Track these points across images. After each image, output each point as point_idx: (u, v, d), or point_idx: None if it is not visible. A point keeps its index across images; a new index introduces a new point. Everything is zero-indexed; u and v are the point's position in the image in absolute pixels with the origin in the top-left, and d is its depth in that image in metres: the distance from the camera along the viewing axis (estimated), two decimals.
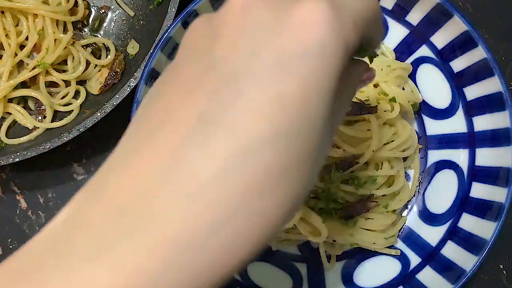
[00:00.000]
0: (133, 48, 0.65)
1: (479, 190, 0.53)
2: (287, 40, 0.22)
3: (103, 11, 0.66)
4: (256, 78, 0.21)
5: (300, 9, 0.22)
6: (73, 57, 0.63)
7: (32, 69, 0.61)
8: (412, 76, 0.58)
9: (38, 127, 0.61)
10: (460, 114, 0.56)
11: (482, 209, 0.52)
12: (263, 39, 0.22)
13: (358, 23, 0.24)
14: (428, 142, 0.58)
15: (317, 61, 0.22)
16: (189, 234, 0.20)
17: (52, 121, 0.62)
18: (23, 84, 0.62)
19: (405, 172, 0.57)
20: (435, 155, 0.57)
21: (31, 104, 0.63)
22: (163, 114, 0.22)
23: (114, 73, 0.63)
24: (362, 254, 0.56)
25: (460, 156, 0.55)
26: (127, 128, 0.24)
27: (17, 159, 0.56)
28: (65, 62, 0.64)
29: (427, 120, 0.58)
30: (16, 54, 0.61)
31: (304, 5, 0.23)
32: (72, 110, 0.62)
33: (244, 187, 0.20)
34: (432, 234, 0.55)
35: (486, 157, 0.53)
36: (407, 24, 0.57)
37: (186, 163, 0.20)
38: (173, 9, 0.57)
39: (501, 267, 0.61)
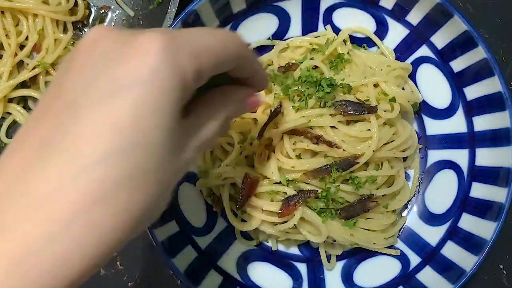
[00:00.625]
0: None
1: (479, 190, 0.53)
2: (124, 68, 0.25)
3: (103, 11, 0.66)
4: (92, 104, 0.24)
5: (140, 40, 0.26)
6: None
7: (32, 69, 0.61)
8: (412, 76, 0.58)
9: None
10: (460, 114, 0.56)
11: (482, 209, 0.52)
12: (104, 69, 0.25)
13: (201, 56, 0.28)
14: (428, 142, 0.58)
15: (148, 87, 0.25)
16: (27, 247, 0.23)
17: None
18: (23, 84, 0.62)
19: (405, 172, 0.57)
20: (435, 155, 0.57)
21: (31, 104, 0.63)
22: (19, 139, 0.26)
23: None
24: (362, 254, 0.56)
25: (460, 156, 0.55)
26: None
27: None
28: None
29: (427, 120, 0.58)
30: (16, 54, 0.61)
31: (143, 37, 0.26)
32: None
33: (76, 201, 0.23)
34: (432, 234, 0.55)
35: (486, 157, 0.53)
36: (407, 24, 0.57)
37: (27, 184, 0.24)
38: (173, 9, 0.57)
39: (501, 267, 0.61)
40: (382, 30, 0.58)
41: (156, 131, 0.25)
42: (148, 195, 0.26)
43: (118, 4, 0.66)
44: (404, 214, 0.57)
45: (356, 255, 0.56)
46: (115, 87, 0.25)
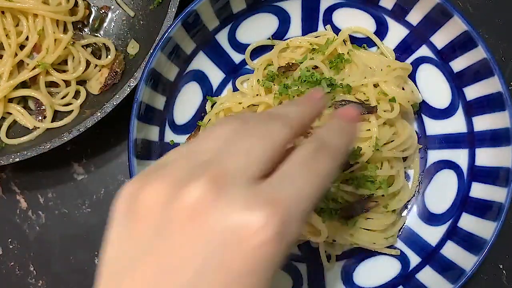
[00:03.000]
0: (133, 48, 0.65)
1: (479, 190, 0.53)
2: (236, 258, 0.23)
3: (103, 11, 0.66)
4: None
5: (253, 220, 0.23)
6: (73, 57, 0.63)
7: (32, 69, 0.61)
8: (412, 76, 0.58)
9: (38, 127, 0.61)
10: (460, 114, 0.56)
11: (482, 209, 0.52)
12: (213, 255, 0.23)
13: (305, 216, 0.26)
14: (428, 142, 0.58)
15: (262, 280, 0.24)
16: None
17: (52, 121, 0.62)
18: (23, 84, 0.62)
19: (405, 172, 0.57)
20: (435, 155, 0.57)
21: (31, 104, 0.63)
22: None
23: (114, 73, 0.63)
24: (362, 254, 0.56)
25: (460, 156, 0.55)
26: None
27: (17, 159, 0.56)
28: (65, 62, 0.64)
29: (427, 120, 0.58)
30: (16, 54, 0.61)
31: (257, 217, 0.24)
32: (72, 110, 0.62)
33: None
34: (432, 234, 0.55)
35: (486, 157, 0.53)
36: (407, 24, 0.57)
37: None
38: (173, 9, 0.57)
39: (501, 267, 0.61)
40: (382, 30, 0.58)
41: None
42: None
43: (118, 4, 0.66)
44: (404, 214, 0.57)
45: (356, 255, 0.56)
46: (227, 283, 0.23)
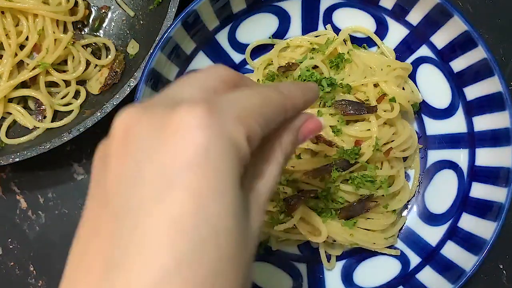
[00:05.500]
0: (133, 48, 0.65)
1: (479, 190, 0.53)
2: (168, 155, 0.22)
3: (103, 11, 0.66)
4: (146, 205, 0.21)
5: (177, 117, 0.22)
6: (73, 57, 0.63)
7: (32, 69, 0.61)
8: (412, 76, 0.58)
9: (38, 127, 0.61)
10: (460, 114, 0.56)
11: (482, 209, 0.52)
12: (145, 160, 0.22)
13: (247, 119, 0.25)
14: (428, 142, 0.58)
15: (201, 171, 0.22)
16: None
17: (52, 121, 0.62)
18: (23, 84, 0.62)
19: (405, 172, 0.57)
20: (435, 155, 0.57)
21: (31, 104, 0.63)
22: (79, 264, 0.24)
23: (114, 73, 0.63)
24: (362, 254, 0.56)
25: (460, 156, 0.55)
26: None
27: (17, 159, 0.56)
28: (65, 62, 0.64)
29: (427, 120, 0.58)
30: (16, 54, 0.61)
31: (180, 112, 0.22)
32: (72, 110, 0.62)
33: None
34: (432, 234, 0.55)
35: (486, 157, 0.53)
36: (407, 24, 0.57)
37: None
38: (173, 9, 0.57)
39: (501, 267, 0.61)
40: (382, 30, 0.58)
41: (222, 218, 0.22)
42: None
43: (118, 4, 0.66)
44: (404, 214, 0.57)
45: (356, 255, 0.56)
46: (165, 180, 0.21)
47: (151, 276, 0.20)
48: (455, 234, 0.53)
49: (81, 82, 0.65)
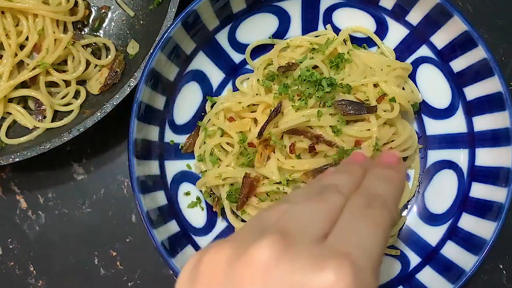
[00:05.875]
0: (133, 48, 0.65)
1: (479, 190, 0.53)
2: None
3: (103, 11, 0.66)
4: None
5: (324, 276, 0.23)
6: (73, 57, 0.63)
7: (32, 69, 0.61)
8: (412, 76, 0.58)
9: (38, 127, 0.61)
10: (460, 114, 0.56)
11: (482, 209, 0.52)
12: None
13: (378, 265, 0.26)
14: (428, 142, 0.58)
15: None
16: None
17: (52, 121, 0.62)
18: (23, 84, 0.62)
19: None
20: (435, 155, 0.57)
21: (31, 104, 0.63)
22: None
23: (114, 73, 0.63)
24: None
25: (460, 156, 0.55)
26: None
27: (17, 159, 0.56)
28: (65, 62, 0.64)
29: (427, 120, 0.58)
30: (16, 54, 0.61)
31: (327, 272, 0.23)
32: (72, 110, 0.62)
33: None
34: (432, 234, 0.55)
35: (486, 157, 0.53)
36: (407, 24, 0.57)
37: None
38: (173, 9, 0.57)
39: (501, 267, 0.61)
40: (382, 30, 0.58)
41: None
42: None
43: (118, 4, 0.66)
44: (404, 214, 0.57)
45: None
46: None
47: None
48: (455, 234, 0.53)
49: (81, 82, 0.65)
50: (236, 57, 0.59)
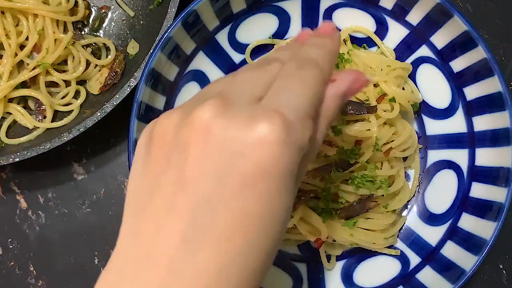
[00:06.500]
0: (133, 48, 0.65)
1: (479, 190, 0.53)
2: (247, 163, 0.26)
3: (103, 11, 0.66)
4: (224, 201, 0.25)
5: (256, 130, 0.26)
6: (73, 57, 0.63)
7: (32, 69, 0.61)
8: (412, 76, 0.58)
9: (38, 127, 0.61)
10: (460, 114, 0.56)
11: (482, 209, 0.52)
12: (226, 164, 0.26)
13: (309, 119, 0.29)
14: (428, 142, 0.58)
15: (276, 181, 0.26)
16: None
17: (52, 121, 0.62)
18: (23, 84, 0.62)
19: (405, 172, 0.57)
20: (435, 155, 0.57)
21: (31, 104, 0.63)
22: (150, 234, 0.26)
23: (114, 73, 0.63)
24: (362, 254, 0.56)
25: (460, 156, 0.55)
26: (119, 237, 0.28)
27: (17, 159, 0.56)
28: (65, 62, 0.64)
29: (427, 120, 0.58)
30: (16, 54, 0.61)
31: (259, 127, 0.26)
32: (72, 110, 0.62)
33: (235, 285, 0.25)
34: (432, 234, 0.55)
35: (486, 157, 0.53)
36: (407, 24, 0.57)
37: (181, 279, 0.25)
38: (173, 9, 0.57)
39: (501, 267, 0.61)
40: (382, 30, 0.58)
41: (283, 213, 0.27)
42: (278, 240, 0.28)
43: (118, 4, 0.66)
44: (404, 214, 0.57)
45: (356, 255, 0.56)
46: (243, 184, 0.26)
47: (225, 253, 0.25)
48: (455, 234, 0.53)
49: (81, 82, 0.65)
50: (236, 57, 0.59)
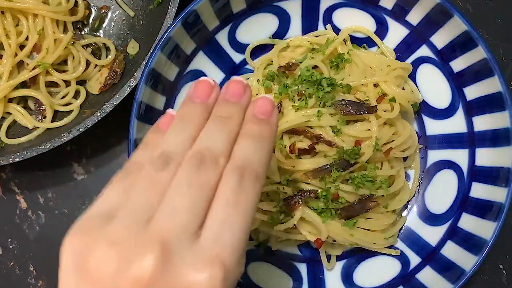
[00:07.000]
0: (133, 48, 0.65)
1: (479, 190, 0.53)
2: None
3: (103, 11, 0.66)
4: None
5: (200, 285, 0.27)
6: (73, 57, 0.63)
7: (32, 69, 0.61)
8: (412, 76, 0.58)
9: (38, 127, 0.61)
10: (460, 114, 0.56)
11: (482, 209, 0.52)
12: None
13: (243, 255, 0.30)
14: (428, 142, 0.58)
15: None
16: None
17: (52, 121, 0.62)
18: (23, 84, 0.62)
19: (405, 172, 0.57)
20: (435, 155, 0.57)
21: (31, 104, 0.63)
22: None
23: (114, 73, 0.63)
24: (362, 254, 0.56)
25: (460, 156, 0.55)
26: None
27: (17, 159, 0.56)
28: (65, 62, 0.64)
29: (427, 120, 0.58)
30: (16, 54, 0.61)
31: (199, 277, 0.27)
32: (72, 110, 0.62)
33: None
34: (432, 234, 0.55)
35: (486, 157, 0.53)
36: (407, 24, 0.57)
37: None
38: (173, 9, 0.57)
39: (501, 267, 0.61)
40: (382, 30, 0.58)
41: None
42: None
43: (118, 4, 0.66)
44: (404, 214, 0.57)
45: (356, 255, 0.56)
46: None
47: None
48: (455, 234, 0.53)
49: (81, 82, 0.65)
50: (236, 57, 0.59)
